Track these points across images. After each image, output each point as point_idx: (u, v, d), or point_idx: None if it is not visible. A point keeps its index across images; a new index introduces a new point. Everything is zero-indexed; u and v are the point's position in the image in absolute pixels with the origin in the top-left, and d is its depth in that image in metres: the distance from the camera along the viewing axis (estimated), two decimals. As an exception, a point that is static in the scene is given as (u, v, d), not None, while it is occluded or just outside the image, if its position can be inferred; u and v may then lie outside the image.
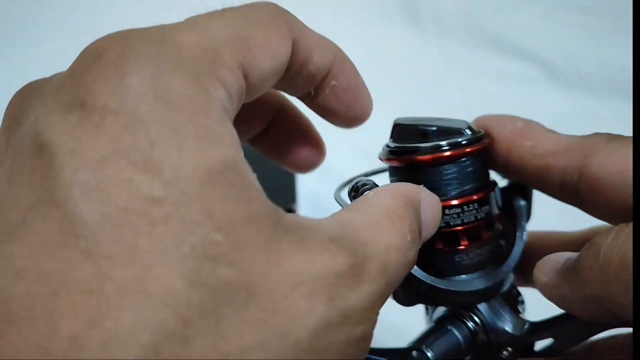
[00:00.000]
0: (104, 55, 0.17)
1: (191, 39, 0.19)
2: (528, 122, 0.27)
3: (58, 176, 0.15)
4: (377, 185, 0.24)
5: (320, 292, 0.16)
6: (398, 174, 0.27)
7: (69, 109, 0.16)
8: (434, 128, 0.26)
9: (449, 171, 0.25)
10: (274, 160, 0.30)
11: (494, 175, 0.29)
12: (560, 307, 0.23)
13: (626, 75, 0.73)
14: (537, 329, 0.26)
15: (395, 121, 0.27)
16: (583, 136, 0.26)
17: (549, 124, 0.79)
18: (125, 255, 0.14)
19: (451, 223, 0.25)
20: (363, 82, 0.27)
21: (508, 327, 0.26)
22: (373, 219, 0.20)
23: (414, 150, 0.25)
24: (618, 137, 0.25)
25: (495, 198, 0.27)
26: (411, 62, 0.78)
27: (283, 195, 0.47)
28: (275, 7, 0.23)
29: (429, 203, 0.23)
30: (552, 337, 0.26)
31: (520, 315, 0.27)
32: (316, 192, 0.61)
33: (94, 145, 0.15)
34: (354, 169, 0.65)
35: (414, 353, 0.26)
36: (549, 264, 0.23)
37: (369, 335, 0.19)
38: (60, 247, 0.14)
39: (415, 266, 0.25)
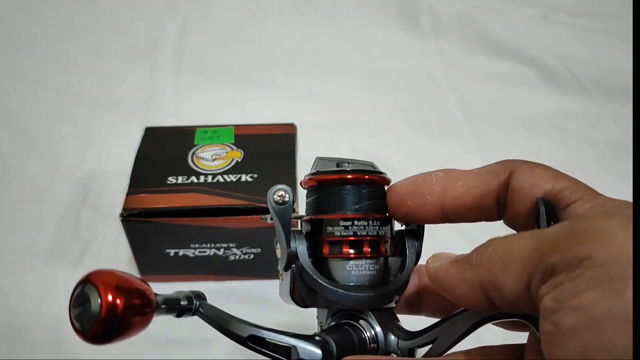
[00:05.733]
0: None
1: None
2: (446, 170, 0.30)
3: None
4: None
5: None
6: (313, 194, 0.31)
7: None
8: (347, 163, 0.31)
9: (350, 191, 0.30)
10: None
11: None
12: (445, 289, 0.26)
13: (620, 77, 0.74)
14: (416, 335, 0.30)
15: (316, 157, 0.32)
16: (503, 161, 0.29)
17: (544, 125, 0.79)
18: None
19: (358, 233, 0.30)
20: None
21: (394, 336, 0.30)
22: None
23: (324, 173, 0.31)
24: (531, 162, 0.28)
25: (391, 227, 0.32)
26: (409, 64, 0.79)
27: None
28: None
29: None
30: (429, 341, 0.30)
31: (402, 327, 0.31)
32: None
33: None
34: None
35: (317, 337, 0.29)
36: (443, 256, 0.27)
37: None
38: None
39: (314, 269, 0.30)
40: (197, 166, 0.50)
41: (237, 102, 0.72)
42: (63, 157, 0.65)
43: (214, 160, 0.51)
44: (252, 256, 0.51)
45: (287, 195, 0.29)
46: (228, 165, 0.51)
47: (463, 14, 0.84)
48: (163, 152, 0.52)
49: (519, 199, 0.27)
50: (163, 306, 0.27)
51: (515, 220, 0.28)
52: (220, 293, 0.50)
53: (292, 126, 0.55)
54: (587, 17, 0.84)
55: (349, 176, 0.30)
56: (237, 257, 0.50)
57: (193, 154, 0.52)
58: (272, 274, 0.54)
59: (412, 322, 0.32)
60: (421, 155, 0.65)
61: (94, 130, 0.68)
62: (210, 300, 0.30)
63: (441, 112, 0.72)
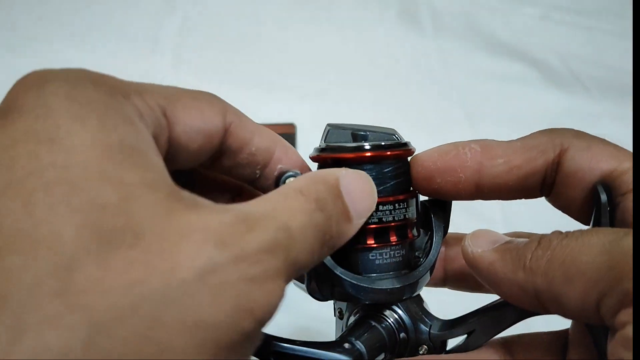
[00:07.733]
0: (28, 77, 0.21)
1: (124, 82, 0.22)
2: (482, 142, 0.26)
3: None
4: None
5: (208, 239, 0.18)
6: None
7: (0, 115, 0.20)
8: (364, 132, 0.27)
9: (371, 171, 0.26)
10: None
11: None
12: (488, 282, 0.23)
13: (620, 76, 0.74)
14: (450, 326, 0.27)
15: (327, 124, 0.28)
16: (549, 131, 0.26)
17: (544, 123, 0.79)
18: (21, 209, 0.17)
19: (383, 219, 0.26)
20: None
21: (424, 326, 0.28)
22: (278, 193, 0.21)
23: (340, 149, 0.27)
24: (584, 134, 0.25)
25: (417, 206, 0.28)
26: (410, 63, 0.79)
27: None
28: (215, 96, 0.26)
29: (351, 180, 0.23)
30: (465, 333, 0.27)
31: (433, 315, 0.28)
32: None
33: (10, 134, 0.18)
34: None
35: (346, 345, 0.26)
36: (485, 237, 0.24)
37: (268, 276, 0.18)
38: None
39: (332, 261, 0.27)
40: (196, 166, 0.50)
41: (237, 102, 0.72)
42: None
43: (213, 159, 0.51)
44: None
45: None
46: (228, 164, 0.50)
47: (463, 13, 0.84)
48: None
49: (574, 183, 0.24)
50: None
51: (566, 204, 0.25)
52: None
53: (292, 126, 0.55)
54: (588, 16, 0.84)
55: (369, 154, 0.26)
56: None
57: (193, 153, 0.51)
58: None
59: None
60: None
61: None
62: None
63: (441, 110, 0.72)
